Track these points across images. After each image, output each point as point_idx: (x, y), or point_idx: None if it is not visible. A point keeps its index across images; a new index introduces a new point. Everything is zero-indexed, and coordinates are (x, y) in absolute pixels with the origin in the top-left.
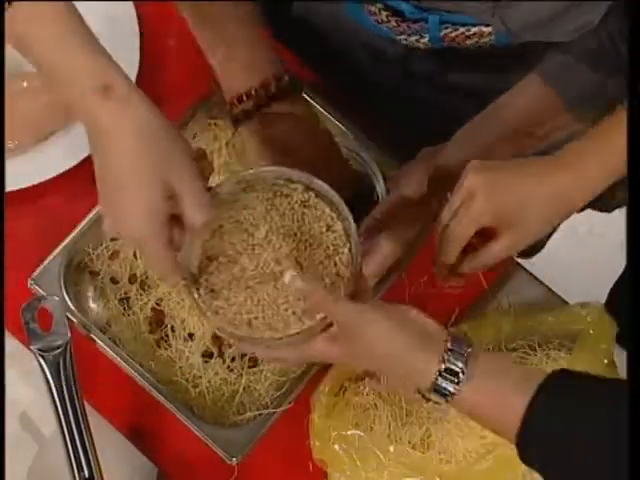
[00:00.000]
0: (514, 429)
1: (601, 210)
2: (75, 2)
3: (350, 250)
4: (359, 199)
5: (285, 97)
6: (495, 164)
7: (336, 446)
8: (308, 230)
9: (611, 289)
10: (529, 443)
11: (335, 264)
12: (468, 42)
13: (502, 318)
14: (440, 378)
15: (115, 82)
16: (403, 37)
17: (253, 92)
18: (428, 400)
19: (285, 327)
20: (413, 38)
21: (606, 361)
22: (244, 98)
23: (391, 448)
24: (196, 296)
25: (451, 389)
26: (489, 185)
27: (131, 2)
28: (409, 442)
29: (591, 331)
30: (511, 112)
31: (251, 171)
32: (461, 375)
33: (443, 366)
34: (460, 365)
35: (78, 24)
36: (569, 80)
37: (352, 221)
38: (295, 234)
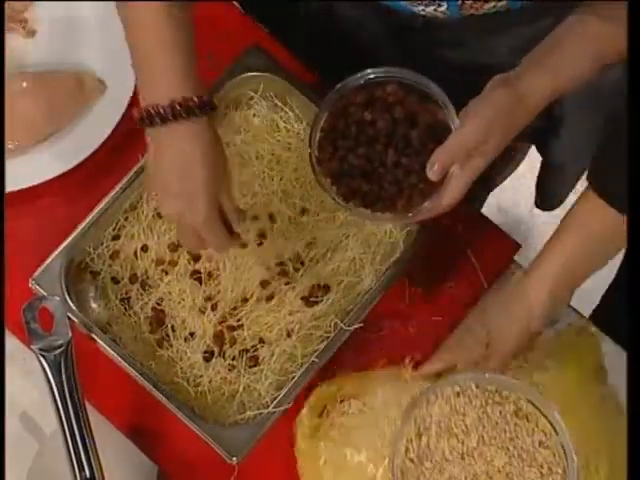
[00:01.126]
0: None
1: None
2: (76, 3)
3: (564, 471)
4: (433, 130)
5: (206, 113)
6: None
7: (324, 465)
8: (521, 444)
9: (605, 292)
10: None
11: None
12: (486, 7)
13: None
14: None
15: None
16: (421, 8)
17: (186, 102)
18: None
19: None
20: (431, 7)
21: (594, 370)
22: (176, 106)
23: (380, 468)
24: None
25: None
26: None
27: None
28: None
29: (576, 345)
30: (583, 35)
31: (462, 375)
32: None
33: None
34: None
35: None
36: None
37: (567, 435)
38: (507, 448)
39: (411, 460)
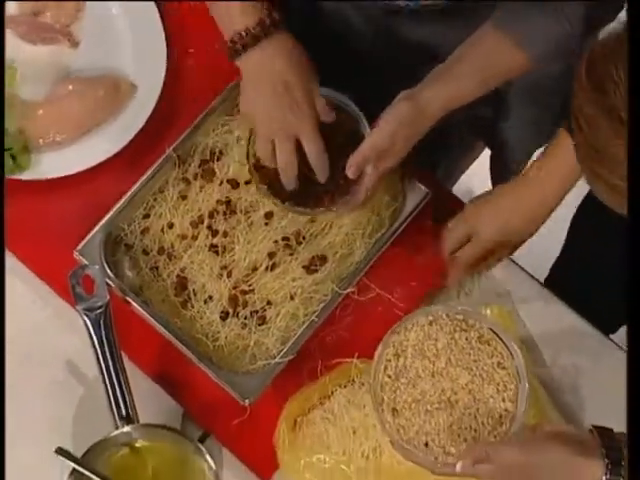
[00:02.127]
0: None
1: None
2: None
3: (516, 387)
4: (351, 138)
5: (274, 32)
6: (484, 200)
7: (307, 475)
8: (482, 365)
9: (553, 265)
10: None
11: (503, 400)
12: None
13: None
14: (607, 475)
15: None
16: None
17: (252, 29)
18: None
19: (458, 452)
20: None
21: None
22: (243, 35)
23: (351, 464)
24: (380, 412)
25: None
26: (486, 223)
27: (158, 16)
28: (362, 454)
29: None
30: (474, 58)
31: (439, 306)
32: (624, 465)
33: (607, 463)
34: (620, 457)
35: None
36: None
37: (522, 361)
38: (471, 368)
39: (389, 376)
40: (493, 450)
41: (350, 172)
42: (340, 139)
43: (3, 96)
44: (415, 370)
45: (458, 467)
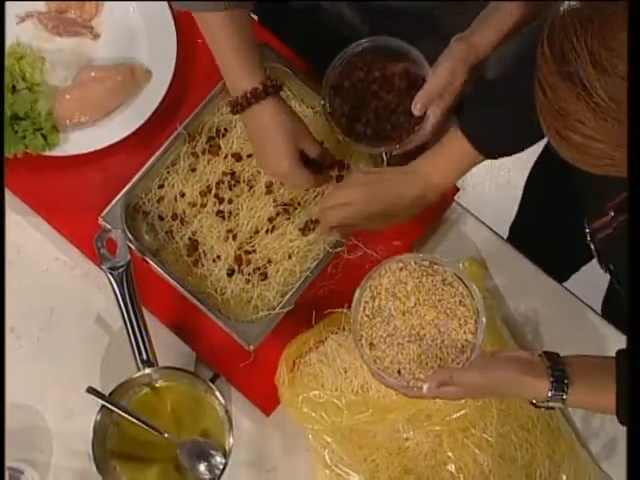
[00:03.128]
0: (613, 409)
1: None
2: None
3: (475, 322)
4: (414, 82)
5: (271, 94)
6: (370, 179)
7: (304, 409)
8: (446, 304)
9: (512, 224)
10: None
11: (464, 332)
12: None
13: None
14: (552, 391)
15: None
16: None
17: (254, 91)
18: (538, 407)
19: (426, 378)
20: None
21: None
22: (248, 95)
23: (342, 399)
24: (360, 346)
25: (563, 396)
26: (365, 201)
27: (169, 11)
28: (352, 390)
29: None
30: (507, 9)
31: (408, 254)
32: (566, 382)
33: (551, 381)
34: (563, 376)
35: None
36: None
37: (481, 299)
38: (436, 306)
39: (367, 316)
40: (456, 374)
41: (417, 110)
42: (403, 83)
43: (3, 91)
44: (388, 309)
45: (425, 389)
